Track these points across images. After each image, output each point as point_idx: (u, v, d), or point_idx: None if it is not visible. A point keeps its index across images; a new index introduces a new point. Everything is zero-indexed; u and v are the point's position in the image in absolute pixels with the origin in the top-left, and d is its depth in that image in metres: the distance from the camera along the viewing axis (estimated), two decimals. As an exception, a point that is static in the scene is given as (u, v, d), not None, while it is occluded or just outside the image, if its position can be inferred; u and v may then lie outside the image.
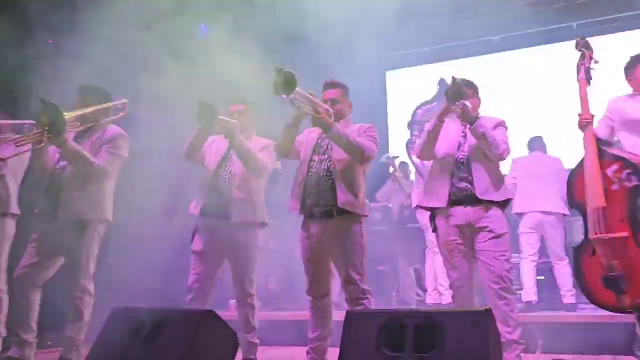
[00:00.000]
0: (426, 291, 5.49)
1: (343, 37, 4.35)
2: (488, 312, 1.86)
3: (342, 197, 3.07)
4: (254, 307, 3.48)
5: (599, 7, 6.60)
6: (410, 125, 6.84)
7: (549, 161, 5.23)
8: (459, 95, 3.09)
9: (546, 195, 4.90)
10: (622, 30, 6.76)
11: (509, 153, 3.25)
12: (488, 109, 3.45)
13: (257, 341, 3.52)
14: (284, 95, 2.86)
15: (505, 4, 5.85)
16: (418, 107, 6.58)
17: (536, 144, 5.36)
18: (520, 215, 4.99)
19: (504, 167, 3.62)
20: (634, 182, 3.03)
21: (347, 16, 4.26)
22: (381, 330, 1.96)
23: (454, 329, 1.87)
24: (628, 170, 3.06)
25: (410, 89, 7.70)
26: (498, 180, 3.24)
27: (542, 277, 5.02)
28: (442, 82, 6.72)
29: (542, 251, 5.07)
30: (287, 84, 2.84)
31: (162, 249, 4.69)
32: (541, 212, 4.88)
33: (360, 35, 4.58)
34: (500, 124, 3.30)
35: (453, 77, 3.14)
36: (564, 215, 4.92)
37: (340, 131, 3.05)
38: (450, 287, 3.34)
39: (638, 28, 6.70)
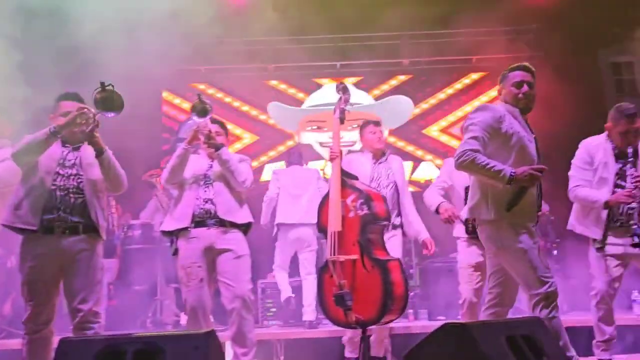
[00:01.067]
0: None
1: (120, 46, 4.23)
2: (208, 335, 1.87)
3: (95, 217, 3.01)
4: None
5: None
6: (175, 142, 6.76)
7: (306, 173, 5.43)
8: (205, 111, 3.21)
9: (302, 207, 5.08)
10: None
11: (251, 183, 3.45)
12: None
13: None
14: (100, 111, 2.87)
15: (276, 35, 6.22)
16: (182, 124, 6.53)
17: (294, 157, 5.56)
18: (279, 226, 5.12)
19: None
20: (365, 211, 3.42)
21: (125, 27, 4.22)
22: (97, 358, 1.84)
23: (174, 354, 1.84)
24: (361, 200, 3.44)
25: (185, 106, 7.65)
26: (240, 204, 3.42)
27: (293, 295, 5.24)
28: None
29: (295, 269, 5.29)
30: (107, 100, 2.86)
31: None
32: (295, 224, 5.07)
33: (138, 49, 4.45)
34: (245, 160, 3.54)
35: (198, 95, 3.28)
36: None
37: (111, 157, 3.02)
38: (184, 312, 3.34)
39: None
